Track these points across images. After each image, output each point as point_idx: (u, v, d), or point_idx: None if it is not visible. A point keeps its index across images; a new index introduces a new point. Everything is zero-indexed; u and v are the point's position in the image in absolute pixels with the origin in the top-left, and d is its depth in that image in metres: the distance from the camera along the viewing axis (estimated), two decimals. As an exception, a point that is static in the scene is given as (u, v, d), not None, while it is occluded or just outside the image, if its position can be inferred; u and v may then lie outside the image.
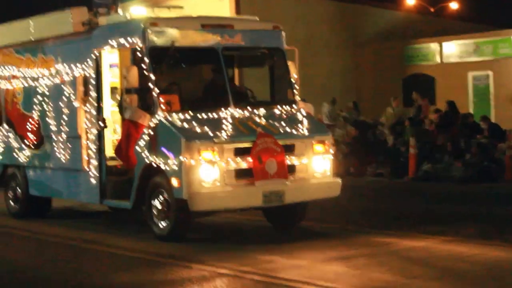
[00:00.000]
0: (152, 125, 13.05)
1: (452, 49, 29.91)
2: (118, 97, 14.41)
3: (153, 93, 13.06)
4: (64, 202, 16.99)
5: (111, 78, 14.86)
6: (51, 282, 11.13)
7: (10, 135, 16.51)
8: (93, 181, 14.28)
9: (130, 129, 13.21)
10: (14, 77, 16.36)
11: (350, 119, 26.30)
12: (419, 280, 10.09)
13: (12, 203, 16.80)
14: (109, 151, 14.44)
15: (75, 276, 11.35)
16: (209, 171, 12.56)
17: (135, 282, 10.72)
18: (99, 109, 14.24)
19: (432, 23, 33.90)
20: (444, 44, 29.98)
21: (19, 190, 16.53)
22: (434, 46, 30.43)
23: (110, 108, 14.71)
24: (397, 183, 21.90)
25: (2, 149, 16.79)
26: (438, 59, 30.29)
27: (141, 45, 13.28)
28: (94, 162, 14.26)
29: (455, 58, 29.79)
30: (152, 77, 13.09)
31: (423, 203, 18.07)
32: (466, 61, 29.23)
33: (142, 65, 13.16)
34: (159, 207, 13.05)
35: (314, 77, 28.77)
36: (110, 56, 14.65)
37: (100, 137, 14.22)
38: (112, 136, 14.73)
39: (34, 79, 15.78)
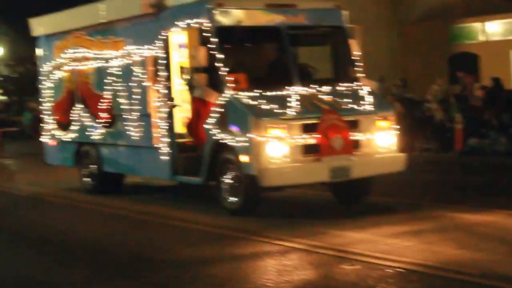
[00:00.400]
0: (220, 103, 12.31)
1: (496, 28, 28.77)
2: (187, 77, 13.76)
3: (221, 72, 12.35)
4: (136, 178, 16.26)
5: (179, 58, 14.11)
6: (121, 255, 10.52)
7: (84, 114, 15.86)
8: (164, 157, 13.59)
9: (200, 107, 12.58)
10: (86, 58, 15.68)
11: (399, 96, 25.34)
12: (486, 254, 9.26)
13: (86, 179, 16.17)
14: (179, 129, 13.72)
15: (146, 250, 10.73)
16: (277, 147, 11.82)
17: (212, 256, 10.00)
18: (169, 88, 13.54)
19: (477, 3, 32.64)
20: (488, 23, 28.85)
21: (93, 167, 15.88)
22: (478, 25, 29.30)
23: (179, 87, 13.93)
24: (444, 157, 20.95)
25: (76, 128, 16.16)
26: (482, 38, 29.15)
27: (208, 25, 12.57)
28: (165, 139, 13.57)
29: (498, 36, 28.64)
30: (220, 56, 12.39)
31: (476, 176, 17.13)
32: (509, 39, 28.07)
33: (210, 44, 12.44)
34: (229, 182, 12.35)
35: (362, 56, 27.75)
36: (179, 36, 13.94)
37: (170, 115, 13.53)
38: (181, 114, 13.98)
39: (105, 60, 15.10)
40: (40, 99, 17.62)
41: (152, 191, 16.14)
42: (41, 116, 17.62)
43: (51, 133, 17.01)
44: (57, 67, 16.60)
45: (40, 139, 17.52)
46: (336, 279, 8.58)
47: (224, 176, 12.43)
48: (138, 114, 14.26)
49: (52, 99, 16.94)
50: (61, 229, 12.96)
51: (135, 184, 16.67)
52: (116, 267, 9.85)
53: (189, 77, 13.27)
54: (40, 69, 17.26)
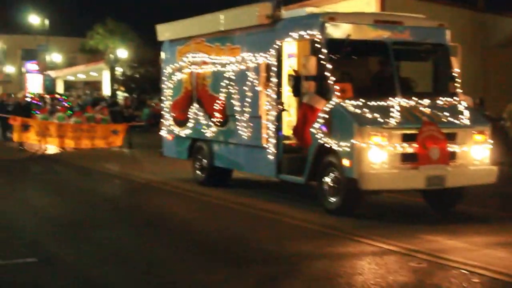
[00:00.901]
0: (327, 109, 11.87)
1: None
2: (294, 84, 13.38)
3: (329, 81, 11.96)
4: (243, 173, 15.91)
5: (288, 66, 13.72)
6: (228, 245, 10.18)
7: (200, 113, 15.61)
8: (270, 157, 13.23)
9: (307, 112, 12.16)
10: (204, 63, 15.42)
11: (477, 113, 24.48)
12: None
13: (198, 172, 15.94)
14: (285, 131, 13.33)
15: (253, 241, 10.38)
16: (378, 154, 11.33)
17: (313, 252, 9.60)
18: (279, 94, 13.18)
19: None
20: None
21: (205, 161, 15.66)
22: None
23: (287, 93, 13.53)
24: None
25: (192, 125, 15.93)
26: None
27: (319, 37, 12.18)
28: (272, 140, 13.22)
29: None
30: (329, 66, 11.98)
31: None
32: None
33: (320, 55, 12.05)
34: (330, 183, 11.92)
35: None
36: (288, 46, 13.57)
37: (278, 118, 13.17)
38: (288, 118, 13.59)
39: (222, 65, 14.82)
40: (161, 98, 17.47)
41: (256, 186, 15.74)
42: (160, 112, 17.50)
43: (169, 128, 16.86)
44: (178, 69, 16.42)
45: (160, 133, 17.36)
46: (436, 285, 8.03)
47: (326, 177, 12.01)
48: (249, 115, 13.92)
49: (171, 98, 16.76)
50: (172, 215, 12.83)
51: (241, 179, 16.29)
52: (225, 255, 9.58)
53: (295, 84, 12.94)
54: (163, 71, 17.12)
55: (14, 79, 75.69)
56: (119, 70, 58.37)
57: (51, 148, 24.63)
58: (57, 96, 42.42)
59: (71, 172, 19.57)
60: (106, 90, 59.08)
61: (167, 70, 16.88)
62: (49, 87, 63.00)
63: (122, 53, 59.23)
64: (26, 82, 73.39)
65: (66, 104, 32.66)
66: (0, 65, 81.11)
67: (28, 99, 33.35)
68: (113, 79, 57.76)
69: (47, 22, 61.79)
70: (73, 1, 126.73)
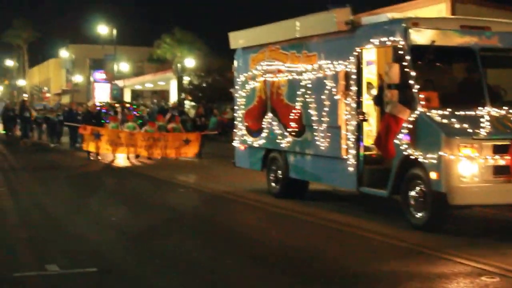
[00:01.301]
0: (411, 119, 11.21)
1: None
2: (374, 93, 12.78)
3: (413, 90, 11.31)
4: (320, 185, 15.30)
5: (367, 74, 13.10)
6: (302, 260, 9.63)
7: (274, 123, 15.09)
8: (350, 168, 12.60)
9: (390, 122, 11.51)
10: (279, 71, 14.90)
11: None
12: None
13: (272, 183, 15.41)
14: (366, 142, 12.68)
15: (338, 258, 9.80)
16: (468, 166, 10.64)
17: (398, 271, 8.99)
18: (359, 103, 12.55)
19: None
20: None
21: (279, 172, 15.11)
22: None
23: (366, 102, 12.90)
24: None
25: (266, 135, 15.42)
26: None
27: (402, 43, 11.55)
28: (352, 151, 12.60)
29: None
30: (413, 74, 11.35)
31: None
32: None
33: (403, 62, 11.38)
34: (416, 197, 11.24)
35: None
36: (367, 53, 12.92)
37: (358, 128, 12.53)
38: (368, 127, 12.95)
39: (298, 73, 14.27)
40: (234, 107, 17.00)
41: (334, 199, 15.11)
42: (226, 121, 17.04)
43: (242, 138, 16.38)
44: (251, 78, 15.94)
45: (232, 143, 16.90)
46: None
47: (411, 191, 11.33)
48: (327, 125, 13.32)
49: (244, 107, 16.28)
50: (243, 227, 12.42)
51: (318, 191, 15.67)
52: (298, 270, 9.06)
53: (376, 93, 12.32)
54: (236, 79, 16.67)
55: (82, 89, 76.62)
56: (186, 79, 58.48)
57: (121, 157, 24.55)
58: (126, 105, 42.28)
59: (140, 181, 19.30)
60: (174, 99, 59.24)
61: (240, 78, 16.44)
62: (117, 96, 63.48)
63: (190, 62, 59.37)
64: (94, 92, 74.23)
65: (136, 113, 32.63)
66: (69, 75, 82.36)
67: (98, 108, 33.37)
68: (180, 88, 57.90)
69: (114, 31, 62.22)
70: (140, 10, 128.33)
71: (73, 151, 28.00)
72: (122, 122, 27.93)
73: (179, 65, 59.84)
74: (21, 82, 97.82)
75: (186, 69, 59.06)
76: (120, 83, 65.73)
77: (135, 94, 70.07)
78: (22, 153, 28.59)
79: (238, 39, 16.57)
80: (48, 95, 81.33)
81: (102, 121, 27.53)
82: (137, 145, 23.12)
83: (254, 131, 15.83)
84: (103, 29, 63.85)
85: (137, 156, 24.10)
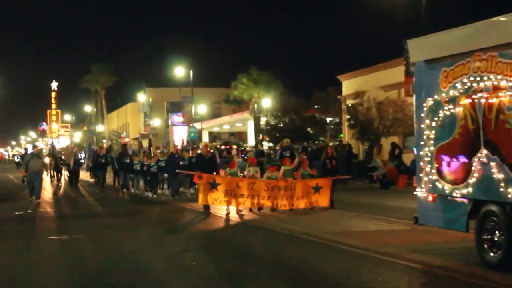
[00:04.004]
0: None
1: None
2: None
3: None
4: None
5: None
6: None
7: (492, 163, 9.75)
8: None
9: None
10: (498, 88, 9.65)
11: None
12: None
13: (487, 248, 10.05)
14: None
15: None
16: None
17: None
18: None
19: None
20: None
21: (500, 234, 9.79)
22: None
23: None
24: None
25: (475, 180, 10.11)
26: None
27: None
28: None
29: None
30: None
31: None
32: None
33: None
34: None
35: None
36: None
37: None
38: None
39: (535, 90, 9.00)
40: (420, 142, 11.42)
41: None
42: (420, 162, 11.47)
43: (430, 186, 11.09)
44: (445, 101, 10.70)
45: (416, 193, 11.58)
46: None
47: None
48: None
49: (436, 141, 10.99)
50: None
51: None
52: None
53: None
54: (418, 103, 11.41)
55: (160, 132, 72.91)
56: (263, 120, 54.29)
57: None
58: (234, 146, 35.51)
59: (269, 237, 14.03)
60: (251, 140, 55.44)
61: (426, 103, 11.19)
62: (195, 138, 59.28)
63: (266, 102, 55.27)
64: (172, 135, 70.83)
65: (244, 156, 27.26)
66: (147, 119, 78.81)
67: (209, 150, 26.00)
68: (258, 129, 53.76)
69: (191, 73, 58.30)
70: (217, 52, 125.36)
71: (175, 202, 22.84)
72: (241, 168, 22.27)
73: (256, 105, 55.69)
74: (99, 128, 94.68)
75: (263, 110, 54.89)
76: (198, 125, 61.66)
77: (213, 136, 65.91)
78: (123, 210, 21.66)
79: (419, 48, 11.37)
80: (127, 139, 77.53)
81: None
82: (261, 195, 18.00)
83: (454, 175, 10.54)
84: (180, 72, 60.05)
85: (259, 209, 18.65)
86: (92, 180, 36.03)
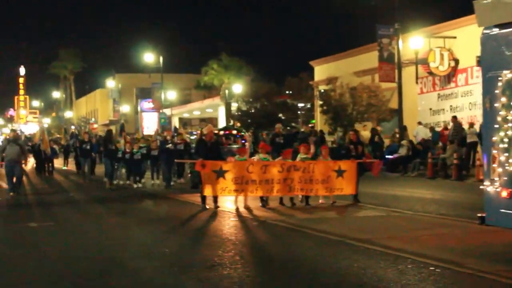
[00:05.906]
0: None
1: None
2: None
3: None
4: None
5: None
6: None
7: None
8: None
9: None
10: None
11: None
12: None
13: None
14: None
15: None
16: None
17: None
18: None
19: None
20: None
21: None
22: None
23: None
24: None
25: None
26: None
27: None
28: None
29: None
30: None
31: None
32: None
33: None
34: None
35: None
36: None
37: None
38: None
39: None
40: (487, 127, 8.89)
41: None
42: (491, 149, 8.77)
43: (506, 179, 8.60)
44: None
45: (483, 187, 9.05)
46: None
47: None
48: None
49: (513, 125, 8.48)
50: None
51: None
52: None
53: None
54: (491, 78, 8.84)
55: (129, 118, 69.89)
56: (234, 106, 52.01)
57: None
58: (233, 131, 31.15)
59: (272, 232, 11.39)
60: (222, 126, 53.22)
61: (503, 76, 8.63)
62: (165, 125, 56.62)
63: (237, 88, 52.84)
64: (142, 121, 68.08)
65: (244, 142, 24.39)
66: (116, 105, 75.68)
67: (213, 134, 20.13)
68: (229, 115, 51.48)
69: (161, 60, 55.53)
70: (186, 38, 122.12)
71: (168, 193, 19.54)
72: (251, 155, 18.82)
73: (226, 91, 53.24)
74: (68, 114, 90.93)
75: (234, 95, 52.48)
76: (167, 111, 58.93)
77: (183, 122, 63.21)
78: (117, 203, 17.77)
79: (492, 10, 8.78)
80: (95, 126, 74.27)
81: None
82: (274, 180, 14.75)
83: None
84: (149, 58, 57.17)
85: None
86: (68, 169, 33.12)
